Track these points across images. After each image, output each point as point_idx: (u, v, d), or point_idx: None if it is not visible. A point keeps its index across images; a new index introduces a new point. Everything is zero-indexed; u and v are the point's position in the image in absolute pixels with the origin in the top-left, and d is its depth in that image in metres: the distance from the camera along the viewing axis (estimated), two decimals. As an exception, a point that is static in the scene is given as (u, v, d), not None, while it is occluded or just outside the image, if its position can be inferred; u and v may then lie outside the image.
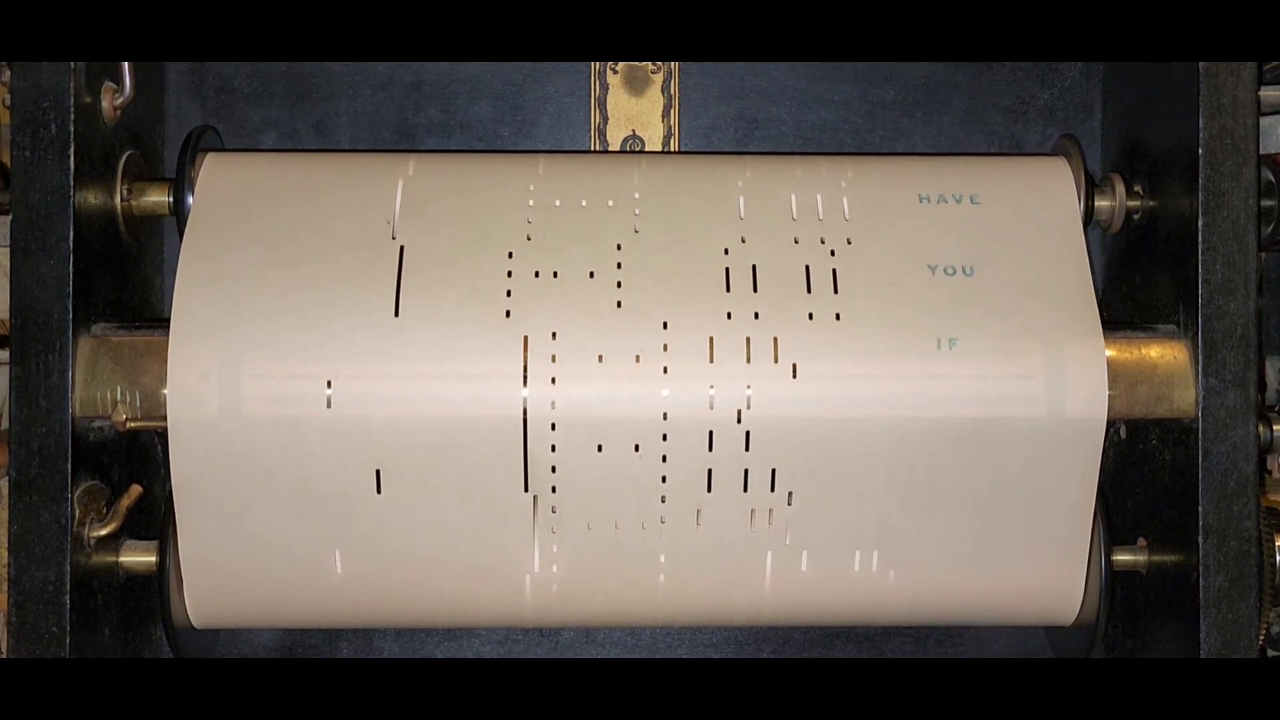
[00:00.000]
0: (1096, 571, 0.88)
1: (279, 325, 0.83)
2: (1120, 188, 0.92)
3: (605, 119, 1.02)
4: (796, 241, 0.86)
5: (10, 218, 0.81)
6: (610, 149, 1.02)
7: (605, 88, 1.02)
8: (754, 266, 0.85)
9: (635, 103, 1.02)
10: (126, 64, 0.86)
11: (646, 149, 1.02)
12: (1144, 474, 0.90)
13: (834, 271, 0.85)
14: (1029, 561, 0.87)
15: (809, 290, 0.85)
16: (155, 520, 0.90)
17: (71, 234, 0.81)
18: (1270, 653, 0.89)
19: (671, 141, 1.02)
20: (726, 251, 0.86)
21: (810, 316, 0.84)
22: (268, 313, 0.83)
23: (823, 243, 0.86)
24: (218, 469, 0.83)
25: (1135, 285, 0.93)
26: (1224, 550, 0.83)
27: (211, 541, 0.85)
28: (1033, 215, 0.89)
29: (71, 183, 0.81)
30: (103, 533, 0.83)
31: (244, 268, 0.84)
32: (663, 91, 1.02)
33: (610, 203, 0.88)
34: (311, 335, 0.82)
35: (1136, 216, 0.92)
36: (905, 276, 0.85)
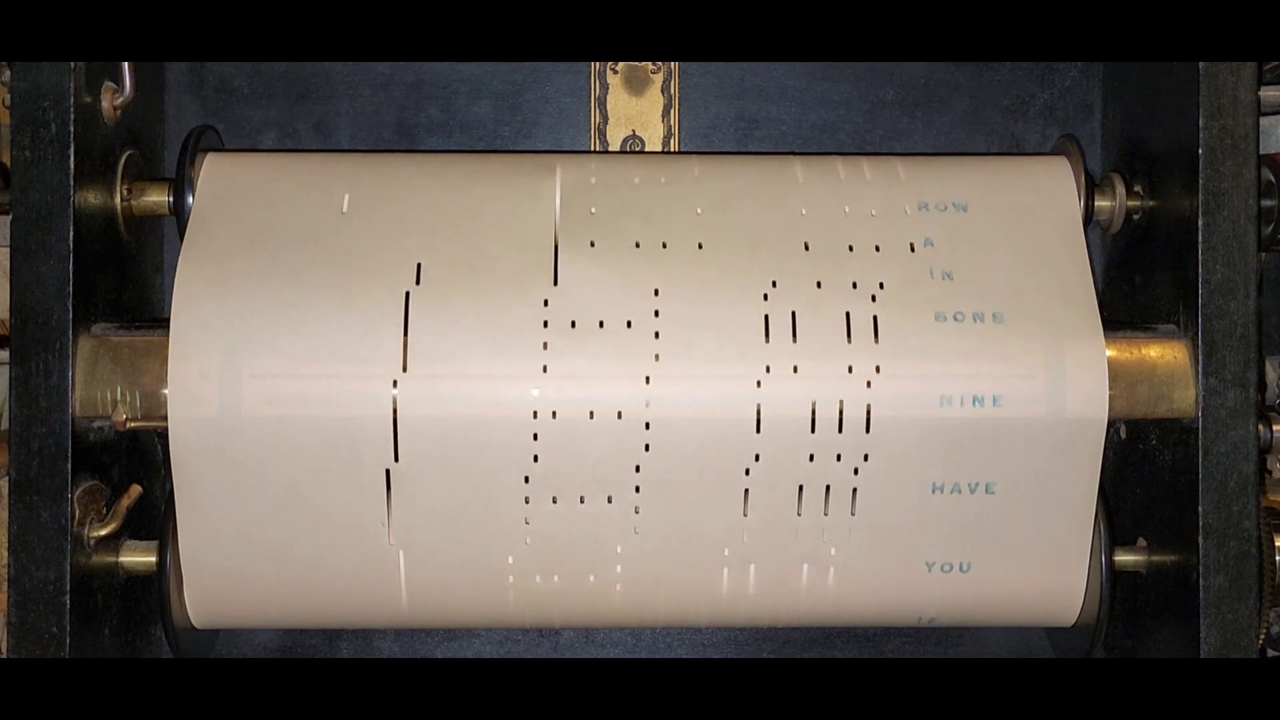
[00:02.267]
0: (1097, 572, 0.88)
1: (279, 325, 0.83)
2: (1120, 187, 0.92)
3: (605, 119, 1.02)
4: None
5: (10, 218, 0.81)
6: (610, 149, 1.02)
7: (605, 88, 1.02)
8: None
9: (635, 103, 1.02)
10: (126, 64, 0.86)
11: (646, 149, 1.02)
12: (1144, 474, 0.90)
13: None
14: (1030, 562, 0.87)
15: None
16: (155, 520, 0.90)
17: (71, 234, 0.81)
18: (1270, 653, 0.89)
19: (671, 141, 1.02)
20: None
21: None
22: (268, 313, 0.83)
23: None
24: (218, 469, 0.83)
25: (1135, 285, 0.93)
26: (1224, 550, 0.83)
27: (211, 541, 0.85)
28: (1033, 215, 0.89)
29: (71, 183, 0.81)
30: (103, 533, 0.83)
31: (244, 268, 0.84)
32: (663, 91, 1.02)
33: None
34: (312, 335, 0.82)
35: (1136, 216, 0.92)
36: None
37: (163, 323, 0.84)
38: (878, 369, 0.83)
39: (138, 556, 0.87)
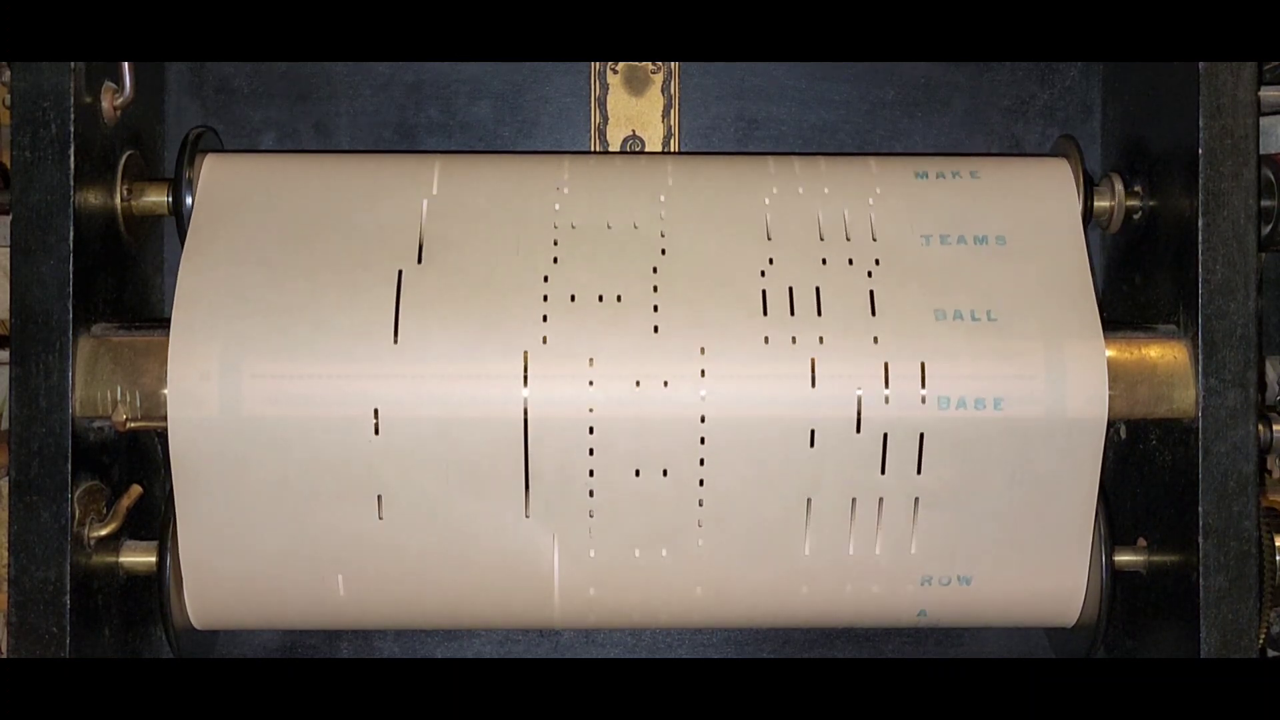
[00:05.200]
0: (1097, 572, 0.88)
1: (279, 325, 0.83)
2: (1119, 187, 0.92)
3: (605, 119, 1.02)
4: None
5: (10, 218, 0.81)
6: (610, 149, 1.02)
7: (605, 88, 1.02)
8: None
9: (635, 103, 1.02)
10: (126, 64, 0.86)
11: (646, 149, 1.02)
12: (1144, 474, 0.90)
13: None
14: (1030, 562, 0.87)
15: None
16: (155, 520, 0.90)
17: (71, 234, 0.81)
18: (1270, 653, 0.89)
19: (671, 142, 1.02)
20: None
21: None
22: (268, 313, 0.83)
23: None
24: (218, 469, 0.83)
25: (1135, 285, 0.93)
26: (1224, 550, 0.83)
27: (211, 541, 0.85)
28: (1032, 216, 0.89)
29: (71, 183, 0.81)
30: (103, 533, 0.83)
31: (244, 269, 0.84)
32: (663, 91, 1.02)
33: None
34: (312, 335, 0.82)
35: (1136, 216, 0.92)
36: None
37: (163, 323, 0.84)
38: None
39: (138, 556, 0.87)
